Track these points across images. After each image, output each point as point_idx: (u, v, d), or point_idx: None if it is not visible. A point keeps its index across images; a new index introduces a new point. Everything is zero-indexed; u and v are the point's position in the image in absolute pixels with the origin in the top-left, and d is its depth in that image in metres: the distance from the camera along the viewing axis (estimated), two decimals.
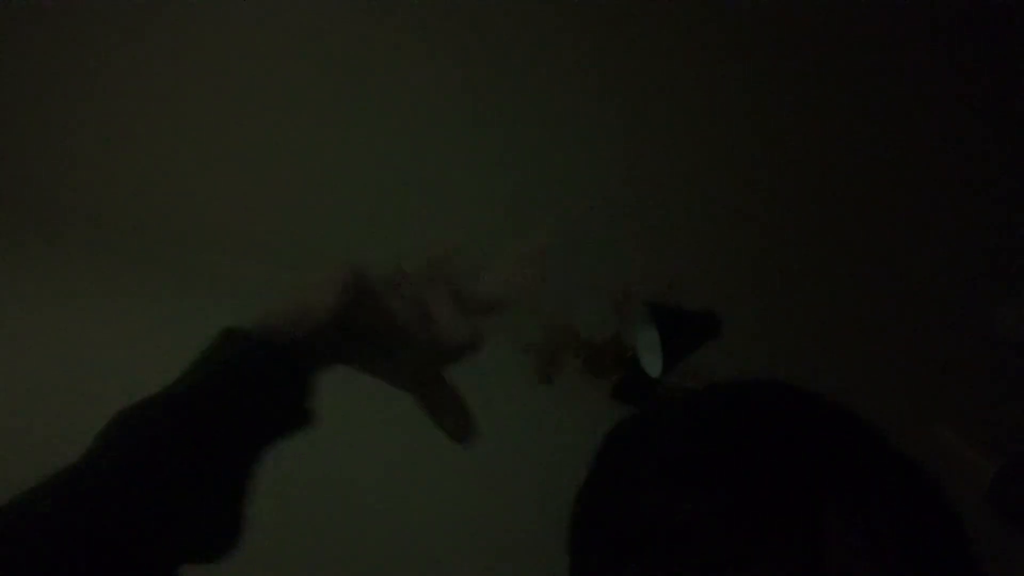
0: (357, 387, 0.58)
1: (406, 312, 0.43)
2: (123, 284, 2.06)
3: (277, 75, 2.45)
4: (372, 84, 2.43)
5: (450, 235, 1.95)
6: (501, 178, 2.45)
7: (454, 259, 0.46)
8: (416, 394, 0.48)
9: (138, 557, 0.34)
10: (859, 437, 0.34)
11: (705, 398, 0.35)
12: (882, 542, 0.28)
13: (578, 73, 2.38)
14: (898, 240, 2.37)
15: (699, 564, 0.26)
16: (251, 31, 2.42)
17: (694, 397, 0.36)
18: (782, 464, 0.28)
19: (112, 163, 2.51)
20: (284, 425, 0.43)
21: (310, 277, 0.44)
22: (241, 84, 2.46)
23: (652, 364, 1.77)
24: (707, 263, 2.38)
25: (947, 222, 2.36)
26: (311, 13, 2.39)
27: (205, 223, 2.47)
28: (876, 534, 0.28)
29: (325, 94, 2.45)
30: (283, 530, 1.15)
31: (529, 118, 2.43)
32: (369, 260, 0.45)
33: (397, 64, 2.41)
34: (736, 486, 0.27)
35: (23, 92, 2.51)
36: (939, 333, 2.29)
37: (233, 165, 2.49)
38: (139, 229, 2.44)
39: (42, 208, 2.44)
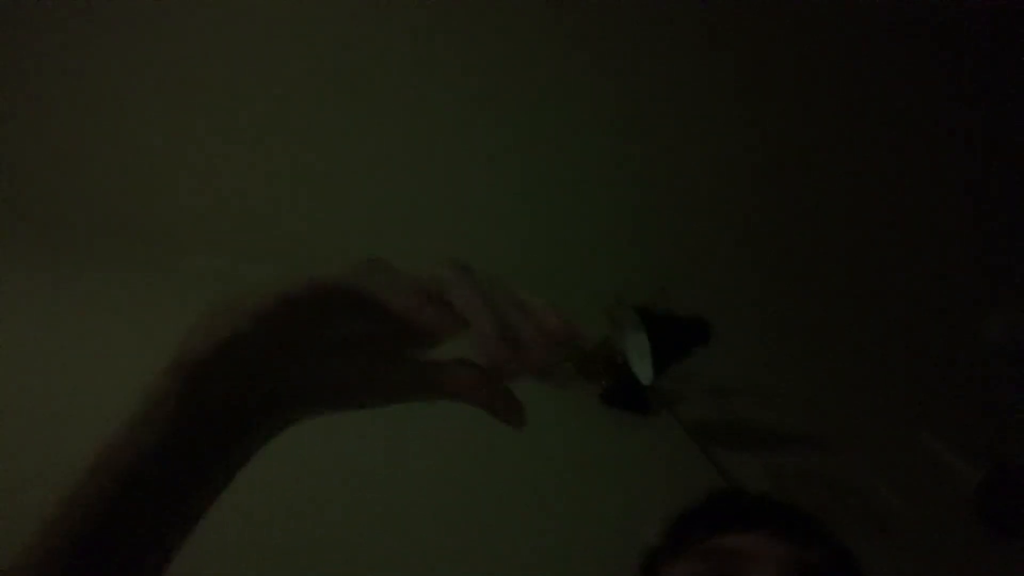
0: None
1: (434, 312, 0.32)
2: (122, 286, 2.05)
3: (273, 76, 2.45)
4: (367, 84, 2.43)
5: (440, 239, 1.95)
6: (494, 183, 2.45)
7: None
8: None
9: None
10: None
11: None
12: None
13: (575, 80, 2.39)
14: (888, 249, 2.39)
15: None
16: (247, 32, 2.42)
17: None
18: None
19: (110, 164, 2.50)
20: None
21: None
22: (237, 84, 2.46)
23: (642, 369, 1.77)
24: (698, 269, 2.38)
25: (937, 231, 2.38)
26: (307, 14, 2.39)
27: (203, 224, 2.46)
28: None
29: (321, 95, 2.45)
30: (276, 529, 1.15)
31: (524, 122, 2.43)
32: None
33: (392, 63, 2.42)
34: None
35: (20, 95, 2.50)
36: (926, 341, 2.30)
37: (232, 167, 2.48)
38: (137, 230, 2.43)
39: (38, 209, 2.42)
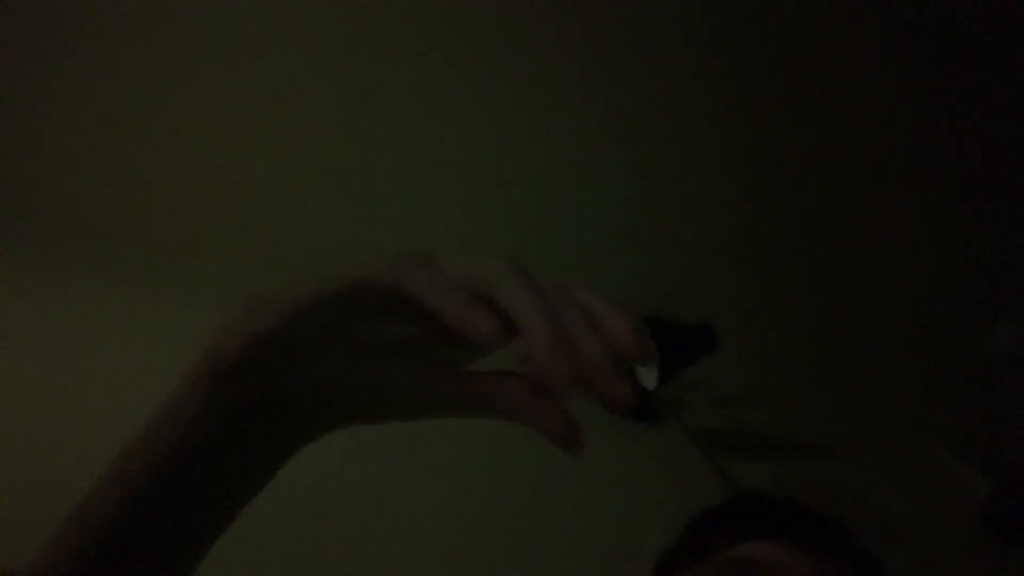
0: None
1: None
2: (126, 291, 2.07)
3: (279, 80, 2.46)
4: (373, 89, 2.45)
5: (439, 240, 1.95)
6: (495, 188, 2.46)
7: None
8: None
9: None
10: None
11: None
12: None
13: (574, 82, 2.40)
14: (894, 256, 2.39)
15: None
16: (253, 36, 2.44)
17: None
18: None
19: (113, 168, 2.52)
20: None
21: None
22: (243, 88, 2.47)
23: (648, 377, 1.77)
24: (699, 274, 2.39)
25: (944, 238, 2.37)
26: (304, 17, 2.41)
27: (208, 229, 2.48)
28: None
29: (327, 100, 2.46)
30: (277, 531, 1.15)
31: (522, 124, 2.44)
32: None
33: (394, 66, 2.43)
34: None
35: (21, 98, 2.52)
36: (933, 348, 2.30)
37: (238, 171, 2.50)
38: (142, 235, 2.45)
39: (40, 213, 2.44)
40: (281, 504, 1.21)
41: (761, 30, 2.31)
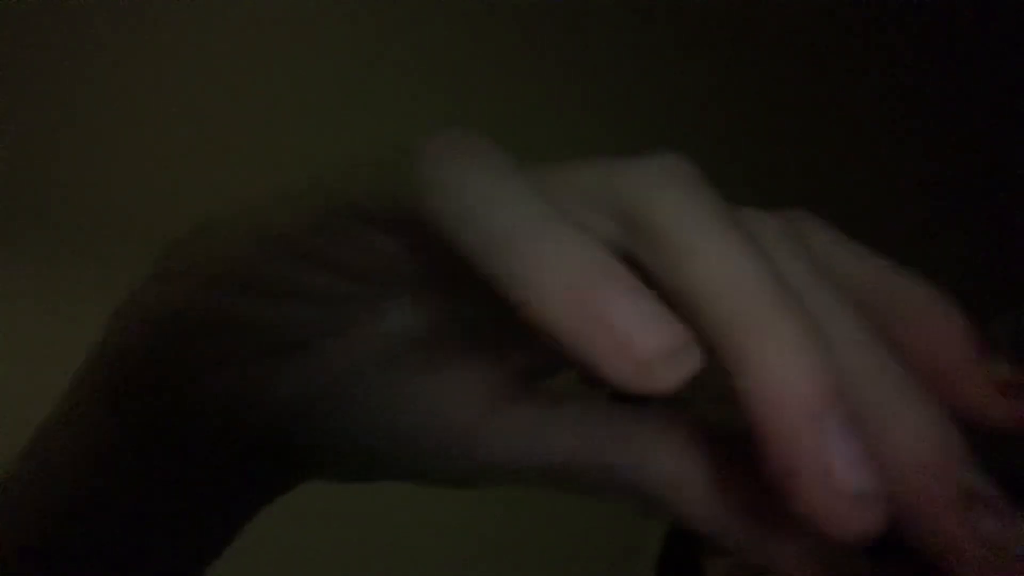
0: None
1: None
2: (116, 285, 2.06)
3: (269, 74, 2.46)
4: (364, 84, 2.45)
5: None
6: None
7: None
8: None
9: None
10: None
11: None
12: None
13: (570, 78, 2.40)
14: (893, 247, 2.39)
15: None
16: (243, 31, 2.43)
17: None
18: None
19: (102, 161, 2.52)
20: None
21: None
22: (231, 81, 2.47)
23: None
24: None
25: (944, 229, 2.37)
26: (298, 10, 2.41)
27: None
28: None
29: (315, 93, 2.46)
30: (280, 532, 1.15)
31: (519, 116, 2.44)
32: None
33: (388, 65, 2.43)
34: None
35: (11, 94, 2.51)
36: None
37: (224, 166, 2.50)
38: (130, 229, 2.44)
39: (28, 208, 2.43)
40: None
41: (761, 26, 2.31)
